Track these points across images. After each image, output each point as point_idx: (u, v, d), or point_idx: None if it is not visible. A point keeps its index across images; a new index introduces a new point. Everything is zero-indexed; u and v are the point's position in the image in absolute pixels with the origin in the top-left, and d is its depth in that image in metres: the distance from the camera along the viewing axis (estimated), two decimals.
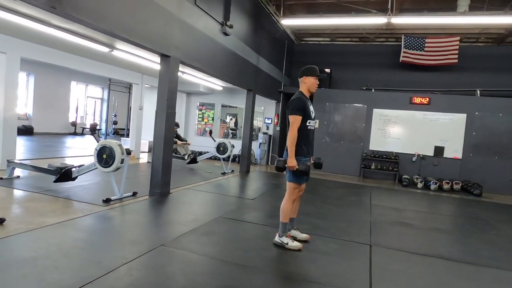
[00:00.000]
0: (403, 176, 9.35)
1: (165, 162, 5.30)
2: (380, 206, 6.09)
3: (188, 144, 9.40)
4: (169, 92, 5.22)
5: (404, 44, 10.09)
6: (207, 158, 9.55)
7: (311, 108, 3.58)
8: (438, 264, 3.45)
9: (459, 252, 3.93)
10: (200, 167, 8.96)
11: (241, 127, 11.55)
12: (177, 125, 9.16)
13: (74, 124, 16.37)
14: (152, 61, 7.29)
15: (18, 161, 5.80)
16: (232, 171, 8.63)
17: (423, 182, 8.94)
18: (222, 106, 12.52)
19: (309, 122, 3.51)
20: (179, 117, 12.46)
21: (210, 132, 9.17)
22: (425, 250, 3.83)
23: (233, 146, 8.49)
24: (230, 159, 8.96)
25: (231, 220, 4.35)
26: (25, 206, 4.24)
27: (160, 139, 5.26)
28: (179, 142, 9.02)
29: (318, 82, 3.60)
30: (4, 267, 2.57)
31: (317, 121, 3.65)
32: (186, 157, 8.72)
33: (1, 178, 5.46)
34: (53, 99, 15.24)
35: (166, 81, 5.18)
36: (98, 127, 17.10)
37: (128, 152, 4.95)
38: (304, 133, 3.47)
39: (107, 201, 4.65)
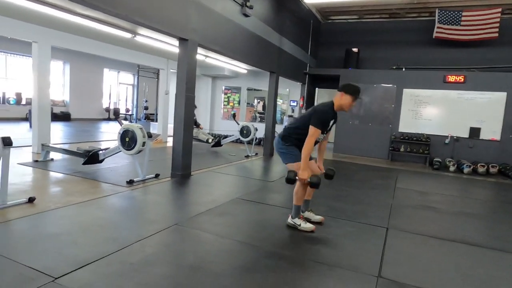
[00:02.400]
0: (435, 159, 8.94)
1: (185, 145, 5.41)
2: (405, 189, 5.90)
3: (201, 128, 9.35)
4: (188, 75, 5.27)
5: (438, 18, 9.45)
6: (232, 141, 9.64)
7: (331, 123, 3.50)
8: (458, 248, 3.31)
9: (484, 237, 3.75)
10: (225, 150, 9.07)
11: None
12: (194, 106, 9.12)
13: (107, 110, 17.06)
14: (176, 46, 7.37)
15: (51, 145, 6.15)
16: (256, 154, 8.67)
17: (455, 165, 8.51)
18: (248, 89, 12.50)
19: (319, 135, 3.40)
20: (205, 102, 12.62)
21: (234, 116, 9.21)
22: (446, 234, 3.68)
23: (256, 129, 8.49)
24: (254, 142, 8.98)
25: (248, 202, 4.40)
26: (55, 186, 4.53)
27: (180, 122, 5.36)
28: None
29: (353, 104, 3.47)
30: (29, 241, 2.78)
31: (331, 131, 3.64)
32: (210, 140, 8.85)
33: (37, 161, 5.85)
34: (88, 86, 15.92)
35: (184, 64, 5.23)
36: (130, 112, 17.73)
37: (150, 135, 5.11)
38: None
39: (130, 182, 4.84)
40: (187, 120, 5.40)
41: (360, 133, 10.17)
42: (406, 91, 9.65)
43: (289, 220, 3.56)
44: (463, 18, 9.21)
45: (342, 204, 4.57)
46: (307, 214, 3.74)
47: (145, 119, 16.46)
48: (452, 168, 8.44)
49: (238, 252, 2.86)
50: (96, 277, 2.28)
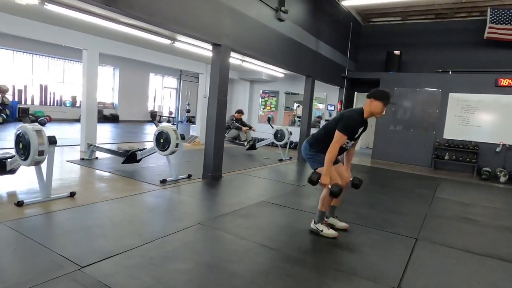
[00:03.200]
0: (483, 169, 8.32)
1: (216, 147, 5.56)
2: (444, 200, 5.55)
3: (253, 130, 9.57)
4: (220, 79, 5.41)
5: (490, 18, 8.80)
6: (267, 145, 9.69)
7: (360, 130, 3.40)
8: (494, 265, 3.07)
9: None
10: (260, 154, 9.14)
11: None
12: (242, 112, 9.47)
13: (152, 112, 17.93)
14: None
15: (96, 144, 6.60)
16: (290, 158, 8.65)
17: (507, 176, 7.85)
18: (286, 93, 12.49)
19: (347, 143, 3.36)
20: (243, 105, 12.81)
21: (269, 119, 9.27)
22: (483, 249, 3.42)
23: (290, 133, 8.48)
24: (288, 146, 8.95)
25: (274, 205, 4.41)
26: (95, 183, 4.87)
27: (212, 125, 5.51)
28: (244, 128, 9.26)
29: (385, 109, 3.29)
30: (65, 232, 3.04)
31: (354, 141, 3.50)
32: (245, 143, 8.98)
33: (83, 159, 6.32)
34: (135, 90, 16.84)
35: (217, 68, 5.38)
36: (173, 115, 18.49)
37: (183, 137, 5.30)
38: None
39: (163, 181, 5.06)
40: (219, 123, 5.54)
41: (400, 139, 9.76)
42: (452, 96, 9.10)
43: (312, 225, 3.52)
44: None
45: (371, 212, 4.42)
46: (332, 220, 3.67)
47: (187, 121, 17.12)
48: (503, 179, 7.80)
49: (255, 254, 2.89)
50: (117, 268, 2.43)
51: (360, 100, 11.51)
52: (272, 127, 8.73)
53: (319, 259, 2.93)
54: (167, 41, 6.75)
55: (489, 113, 8.75)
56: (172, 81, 19.26)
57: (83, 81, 7.16)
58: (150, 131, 13.55)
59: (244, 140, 9.22)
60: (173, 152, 5.21)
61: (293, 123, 12.37)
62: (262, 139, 10.08)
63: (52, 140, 3.73)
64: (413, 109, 9.66)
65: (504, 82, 8.45)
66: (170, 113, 19.23)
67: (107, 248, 2.72)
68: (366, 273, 2.69)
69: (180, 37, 6.53)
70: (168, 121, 18.62)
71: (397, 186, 6.53)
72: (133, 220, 3.47)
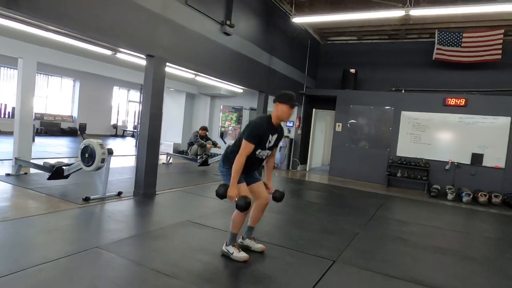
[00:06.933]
0: (433, 186, 8.39)
1: (149, 163, 5.25)
2: (384, 218, 5.46)
3: (218, 147, 9.25)
4: (153, 92, 5.18)
5: (438, 40, 9.10)
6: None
7: (271, 137, 3.16)
8: None
9: (448, 278, 3.30)
10: (213, 170, 8.83)
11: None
12: (206, 129, 9.23)
13: (115, 126, 17.37)
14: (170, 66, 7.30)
15: (21, 159, 6.11)
16: None
17: (454, 193, 7.92)
18: (251, 109, 12.36)
19: (259, 152, 3.13)
20: (203, 120, 12.58)
21: (222, 135, 9.08)
22: (401, 272, 3.27)
23: None
24: None
25: (196, 225, 4.13)
26: (6, 201, 4.43)
27: (144, 139, 5.23)
28: (208, 145, 8.98)
29: (291, 112, 3.14)
30: None
31: (271, 151, 3.29)
32: (198, 158, 8.70)
33: (9, 174, 5.84)
34: (97, 103, 16.28)
35: (150, 80, 5.15)
36: (136, 129, 17.98)
37: (110, 151, 4.99)
38: (248, 159, 3.06)
39: (86, 199, 4.70)
40: (151, 137, 5.27)
41: (356, 156, 9.77)
42: (404, 114, 9.25)
43: (224, 247, 3.27)
44: (463, 40, 8.82)
45: (301, 232, 4.23)
46: (248, 242, 3.44)
47: None
48: (450, 196, 7.85)
49: (141, 282, 2.60)
50: None
51: (319, 117, 11.54)
52: (225, 143, 8.52)
53: (217, 286, 2.67)
54: (107, 52, 6.48)
55: (439, 131, 8.92)
56: (137, 95, 18.84)
57: (17, 91, 6.74)
58: (111, 145, 13.01)
59: (199, 156, 8.91)
60: (99, 168, 4.87)
61: None
62: (217, 155, 9.82)
63: None
64: (369, 127, 9.74)
65: (451, 101, 8.67)
66: (135, 127, 18.72)
67: None
68: None
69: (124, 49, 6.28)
70: (132, 136, 18.10)
71: (341, 204, 6.41)
72: (19, 243, 3.09)
